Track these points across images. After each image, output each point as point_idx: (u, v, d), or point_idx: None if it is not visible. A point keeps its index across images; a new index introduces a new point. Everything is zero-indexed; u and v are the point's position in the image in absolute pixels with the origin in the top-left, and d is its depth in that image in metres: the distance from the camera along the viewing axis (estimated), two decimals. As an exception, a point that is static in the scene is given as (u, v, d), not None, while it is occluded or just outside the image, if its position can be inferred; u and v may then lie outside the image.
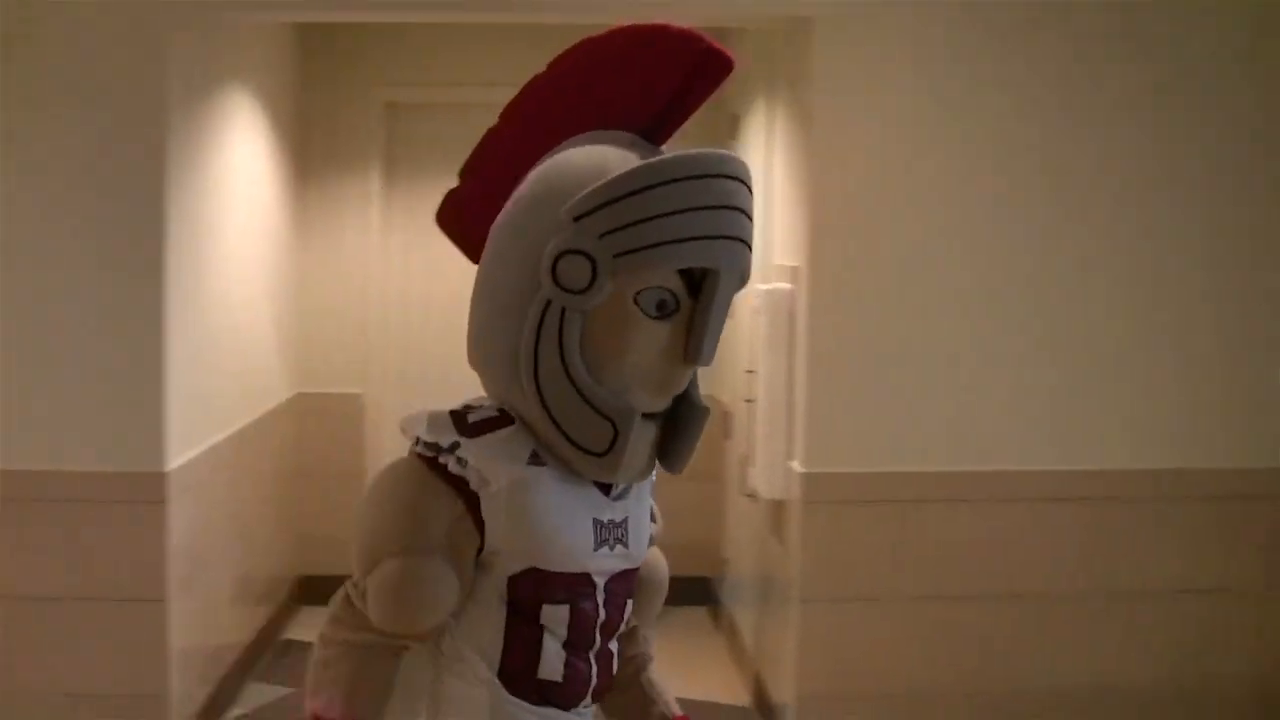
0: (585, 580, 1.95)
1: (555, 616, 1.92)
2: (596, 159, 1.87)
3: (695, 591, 6.82)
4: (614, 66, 1.94)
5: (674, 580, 1.97)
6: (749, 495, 5.48)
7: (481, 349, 1.92)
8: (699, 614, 6.87)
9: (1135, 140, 4.82)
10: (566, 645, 1.94)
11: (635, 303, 1.82)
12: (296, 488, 6.90)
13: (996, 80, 4.77)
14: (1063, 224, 4.83)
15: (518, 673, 1.92)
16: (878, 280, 4.73)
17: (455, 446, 1.85)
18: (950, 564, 4.79)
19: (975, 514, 4.81)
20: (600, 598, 1.97)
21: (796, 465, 4.80)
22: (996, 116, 4.77)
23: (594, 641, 1.97)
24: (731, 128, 6.51)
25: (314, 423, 7.02)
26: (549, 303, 1.82)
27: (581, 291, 1.80)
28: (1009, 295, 4.81)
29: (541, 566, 1.90)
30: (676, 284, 1.84)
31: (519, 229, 1.87)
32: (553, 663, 1.93)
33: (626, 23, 1.87)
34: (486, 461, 1.85)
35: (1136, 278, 4.86)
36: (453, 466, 1.84)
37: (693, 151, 1.82)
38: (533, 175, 1.91)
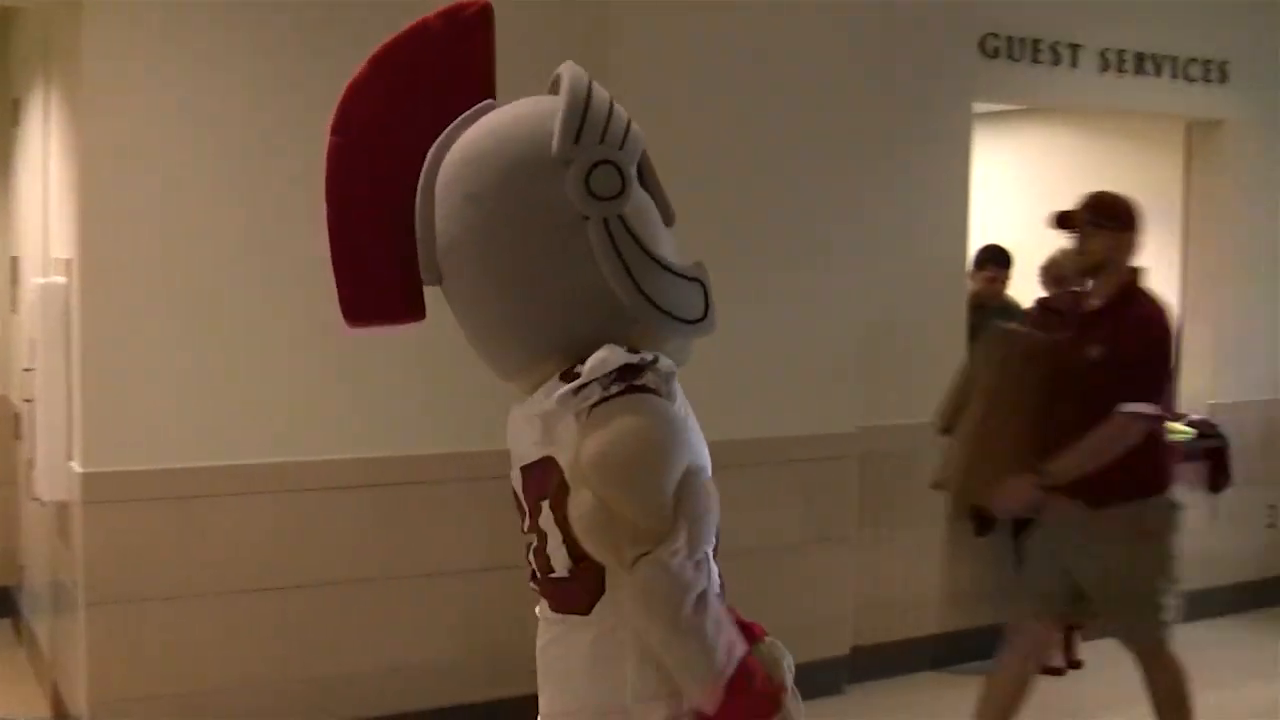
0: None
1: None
2: (522, 115, 2.07)
3: (-4, 603, 6.50)
4: (426, 77, 2.14)
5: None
6: (36, 499, 5.22)
7: (553, 325, 2.02)
8: (2, 626, 6.56)
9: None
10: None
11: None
12: None
13: (279, 72, 4.79)
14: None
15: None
16: (156, 271, 4.62)
17: (656, 360, 1.96)
18: (246, 557, 4.79)
19: (269, 505, 4.81)
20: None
21: (76, 465, 4.63)
22: (283, 106, 4.78)
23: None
24: (14, 113, 6.16)
25: None
26: (605, 221, 1.97)
27: (620, 193, 1.99)
28: (296, 284, 4.75)
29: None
30: None
31: (513, 215, 2.00)
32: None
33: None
34: (673, 370, 1.99)
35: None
36: (651, 381, 1.94)
37: (568, 63, 2.07)
38: (469, 176, 2.02)
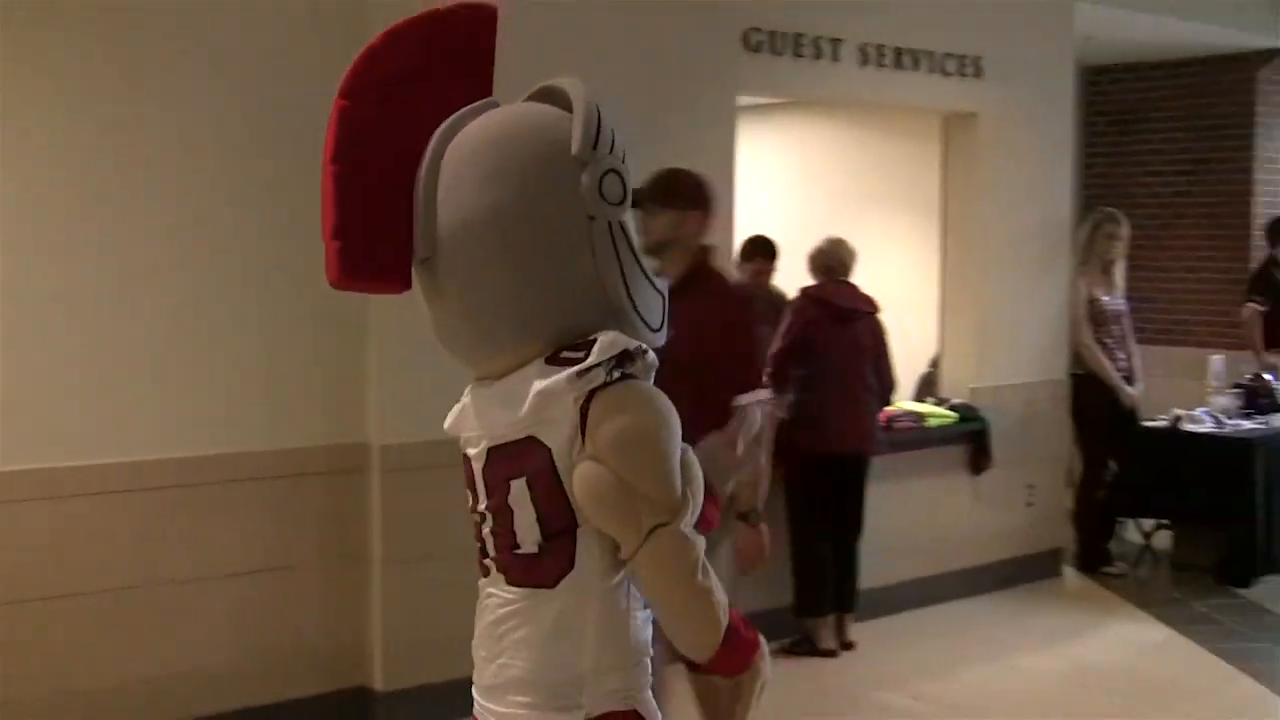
0: None
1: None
2: (535, 114, 2.23)
3: None
4: (437, 62, 2.26)
5: None
6: None
7: (549, 311, 2.14)
8: None
9: (204, 136, 4.93)
10: None
11: None
12: None
13: (75, 72, 4.70)
14: (130, 217, 4.81)
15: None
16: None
17: (646, 351, 2.16)
18: (3, 565, 4.59)
19: (34, 513, 4.63)
20: None
21: None
22: (68, 105, 4.69)
23: None
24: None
25: None
26: (609, 223, 2.16)
27: (623, 200, 2.18)
28: (57, 286, 4.69)
29: None
30: None
31: (534, 201, 2.13)
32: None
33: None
34: (655, 364, 2.18)
35: (196, 270, 4.94)
36: (639, 370, 2.14)
37: (571, 79, 2.22)
38: (493, 159, 2.15)
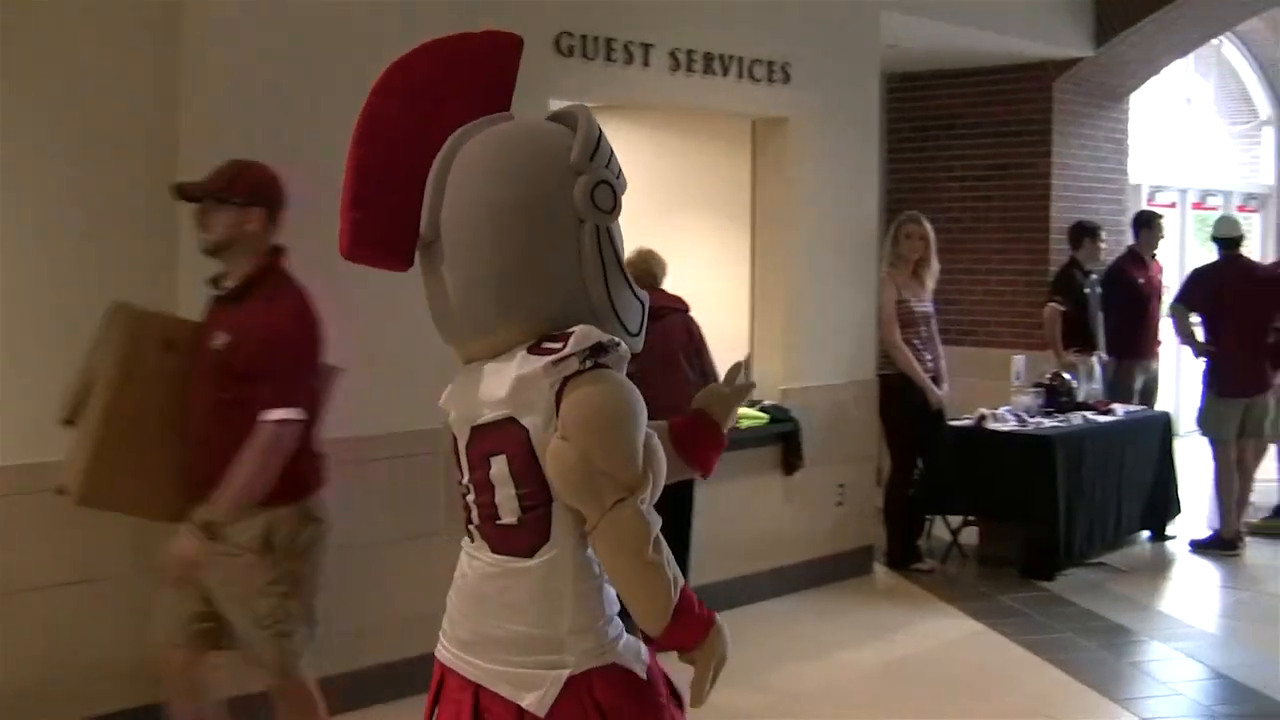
0: None
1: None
2: (545, 127, 2.47)
3: None
4: (462, 76, 2.54)
5: None
6: None
7: (534, 303, 2.36)
8: None
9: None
10: None
11: None
12: None
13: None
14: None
15: None
16: None
17: (619, 344, 2.34)
18: None
19: None
20: None
21: None
22: None
23: None
24: None
25: None
26: (597, 229, 2.38)
27: (612, 209, 2.41)
28: None
29: None
30: None
31: (532, 202, 2.36)
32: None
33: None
34: (627, 355, 2.38)
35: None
36: (612, 361, 2.32)
37: (581, 104, 2.48)
38: (501, 163, 2.39)
